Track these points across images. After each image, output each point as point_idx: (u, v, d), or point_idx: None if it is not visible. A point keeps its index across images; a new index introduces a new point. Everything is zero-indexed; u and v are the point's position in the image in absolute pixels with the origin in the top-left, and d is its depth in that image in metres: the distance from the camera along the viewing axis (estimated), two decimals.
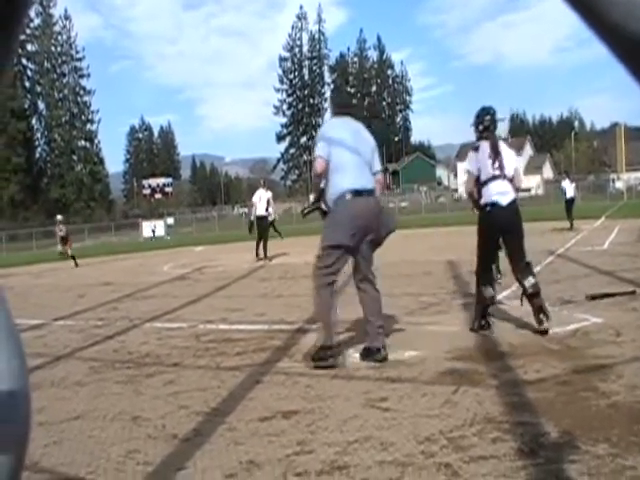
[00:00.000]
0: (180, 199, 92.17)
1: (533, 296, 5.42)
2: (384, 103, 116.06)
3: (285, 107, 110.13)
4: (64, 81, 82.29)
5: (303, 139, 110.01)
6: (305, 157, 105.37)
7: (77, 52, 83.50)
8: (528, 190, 56.62)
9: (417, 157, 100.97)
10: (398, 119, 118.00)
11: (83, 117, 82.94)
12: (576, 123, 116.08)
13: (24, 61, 79.01)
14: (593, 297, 6.78)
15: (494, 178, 5.60)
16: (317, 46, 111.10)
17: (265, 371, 4.95)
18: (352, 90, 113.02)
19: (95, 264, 21.76)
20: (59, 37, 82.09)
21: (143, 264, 19.75)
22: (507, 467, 2.81)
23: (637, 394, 3.64)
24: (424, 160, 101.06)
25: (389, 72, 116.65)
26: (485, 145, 5.71)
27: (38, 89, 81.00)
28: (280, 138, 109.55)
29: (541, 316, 5.36)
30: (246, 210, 19.39)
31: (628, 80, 0.51)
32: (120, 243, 42.13)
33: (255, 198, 16.39)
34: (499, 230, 5.65)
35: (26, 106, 78.80)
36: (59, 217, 22.25)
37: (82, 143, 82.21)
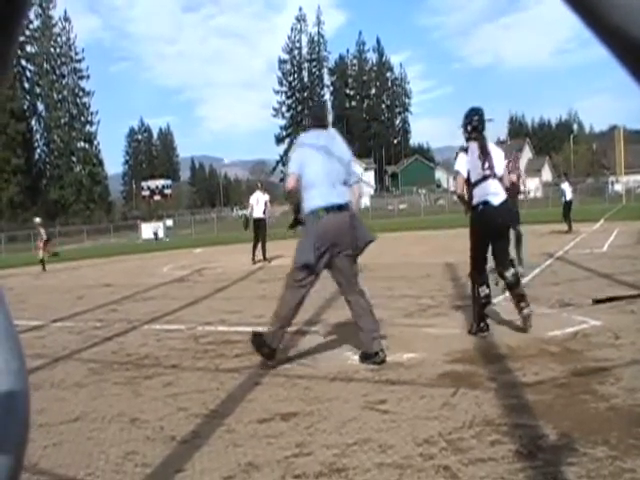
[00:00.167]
0: (179, 201, 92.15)
1: (514, 285, 5.65)
2: (383, 105, 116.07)
3: (284, 109, 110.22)
4: (63, 82, 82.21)
5: None
6: None
7: (76, 53, 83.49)
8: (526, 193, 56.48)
9: (416, 159, 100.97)
10: (397, 121, 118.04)
11: (82, 118, 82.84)
12: (575, 126, 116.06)
13: (23, 62, 78.94)
14: (598, 301, 6.73)
15: (485, 178, 5.66)
16: (316, 48, 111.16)
17: (264, 373, 4.96)
18: (351, 92, 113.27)
19: (94, 265, 21.74)
20: (58, 38, 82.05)
21: (142, 266, 19.73)
22: (505, 469, 2.81)
23: (636, 397, 3.64)
24: (423, 162, 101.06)
25: (388, 74, 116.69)
26: (474, 146, 5.74)
27: (37, 90, 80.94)
28: (279, 140, 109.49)
29: (522, 304, 5.56)
30: (246, 212, 19.26)
31: (627, 83, 0.51)
32: (119, 244, 42.10)
33: (252, 200, 16.39)
34: (492, 229, 5.69)
35: (25, 107, 78.77)
36: (37, 220, 21.54)
37: (81, 144, 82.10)
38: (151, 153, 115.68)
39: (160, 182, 61.17)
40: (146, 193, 59.52)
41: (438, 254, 14.31)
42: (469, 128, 5.86)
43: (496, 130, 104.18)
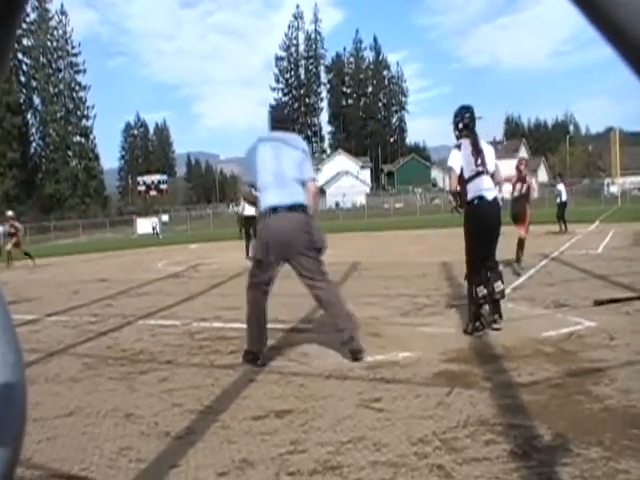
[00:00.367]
0: (175, 197, 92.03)
1: (497, 300, 5.89)
2: (380, 104, 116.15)
3: None
4: (60, 76, 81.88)
5: None
6: None
7: (73, 47, 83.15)
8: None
9: (412, 158, 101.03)
10: (394, 120, 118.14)
11: (78, 113, 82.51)
12: (571, 127, 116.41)
13: (20, 55, 78.60)
14: (600, 303, 6.70)
15: (478, 174, 5.72)
16: (313, 46, 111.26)
17: (259, 370, 4.95)
18: (348, 90, 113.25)
19: (89, 260, 21.70)
20: (55, 32, 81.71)
21: (138, 261, 19.70)
22: (500, 469, 2.82)
23: (630, 398, 3.65)
24: (419, 161, 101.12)
25: (385, 73, 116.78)
26: (467, 143, 5.80)
27: (33, 84, 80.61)
28: None
29: (496, 316, 5.85)
30: (237, 209, 19.23)
31: (624, 85, 0.51)
32: (115, 239, 42.03)
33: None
34: (486, 224, 5.73)
35: (21, 101, 78.47)
36: (10, 213, 20.83)
37: (77, 139, 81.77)
38: (147, 148, 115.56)
39: (156, 177, 61.07)
40: (142, 188, 59.42)
41: (434, 253, 14.34)
42: (460, 125, 5.92)
43: (492, 130, 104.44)
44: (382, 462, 3.00)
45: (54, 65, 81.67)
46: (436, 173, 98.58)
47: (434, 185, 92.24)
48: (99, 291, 11.27)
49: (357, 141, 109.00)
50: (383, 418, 3.62)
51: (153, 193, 59.80)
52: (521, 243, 10.23)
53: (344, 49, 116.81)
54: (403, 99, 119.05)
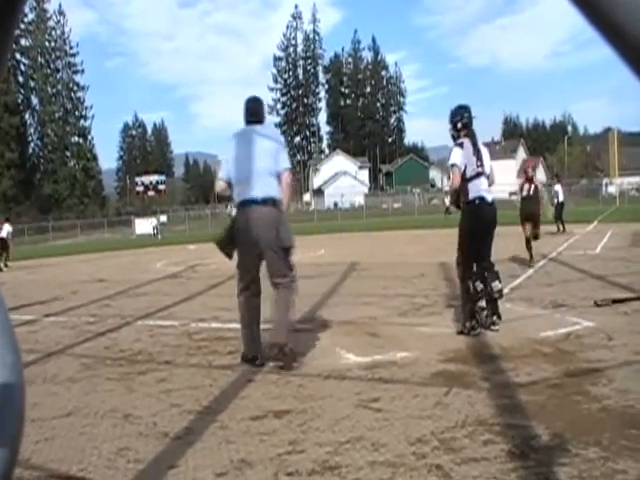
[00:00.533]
0: (173, 197, 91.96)
1: (495, 300, 5.86)
2: (378, 104, 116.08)
3: (279, 106, 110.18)
4: (58, 76, 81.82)
5: (297, 139, 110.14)
6: (298, 157, 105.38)
7: (71, 48, 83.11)
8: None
9: (411, 159, 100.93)
10: (392, 120, 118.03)
11: (77, 113, 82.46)
12: (569, 127, 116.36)
13: (18, 56, 78.53)
14: (600, 304, 6.67)
15: (478, 175, 5.74)
16: (312, 46, 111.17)
17: (257, 370, 4.95)
18: (346, 91, 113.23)
19: (88, 260, 21.68)
20: (53, 32, 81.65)
21: (136, 261, 19.69)
22: (498, 469, 2.82)
23: (628, 398, 3.65)
24: (417, 162, 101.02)
25: (383, 73, 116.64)
26: (467, 142, 5.80)
27: (31, 84, 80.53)
28: None
29: (495, 318, 5.82)
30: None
31: (623, 85, 0.51)
32: (113, 240, 41.97)
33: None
34: (485, 225, 5.73)
35: (19, 101, 78.43)
36: None
37: (75, 139, 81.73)
38: (145, 149, 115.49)
39: (154, 178, 61.08)
40: (140, 188, 59.44)
41: (432, 254, 14.33)
42: (459, 125, 5.92)
43: (490, 130, 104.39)
44: (380, 462, 3.00)
45: (52, 65, 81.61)
46: (434, 173, 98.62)
47: (432, 185, 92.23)
48: (97, 291, 11.26)
49: (355, 141, 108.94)
50: (381, 418, 3.62)
51: (151, 193, 59.83)
52: (529, 242, 10.81)
53: (342, 49, 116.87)
54: (401, 99, 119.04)
